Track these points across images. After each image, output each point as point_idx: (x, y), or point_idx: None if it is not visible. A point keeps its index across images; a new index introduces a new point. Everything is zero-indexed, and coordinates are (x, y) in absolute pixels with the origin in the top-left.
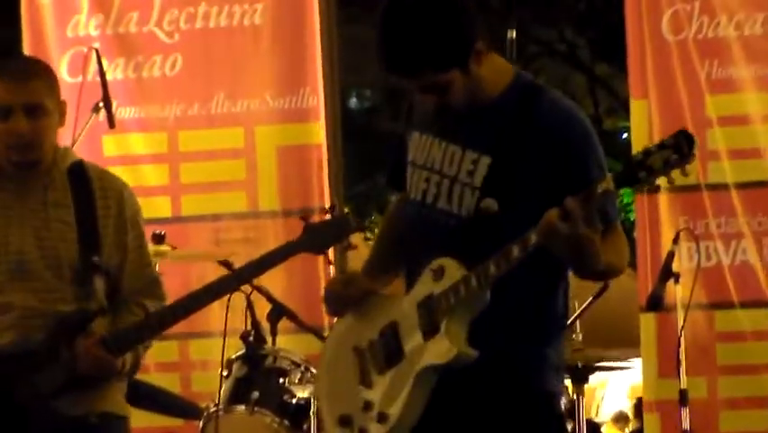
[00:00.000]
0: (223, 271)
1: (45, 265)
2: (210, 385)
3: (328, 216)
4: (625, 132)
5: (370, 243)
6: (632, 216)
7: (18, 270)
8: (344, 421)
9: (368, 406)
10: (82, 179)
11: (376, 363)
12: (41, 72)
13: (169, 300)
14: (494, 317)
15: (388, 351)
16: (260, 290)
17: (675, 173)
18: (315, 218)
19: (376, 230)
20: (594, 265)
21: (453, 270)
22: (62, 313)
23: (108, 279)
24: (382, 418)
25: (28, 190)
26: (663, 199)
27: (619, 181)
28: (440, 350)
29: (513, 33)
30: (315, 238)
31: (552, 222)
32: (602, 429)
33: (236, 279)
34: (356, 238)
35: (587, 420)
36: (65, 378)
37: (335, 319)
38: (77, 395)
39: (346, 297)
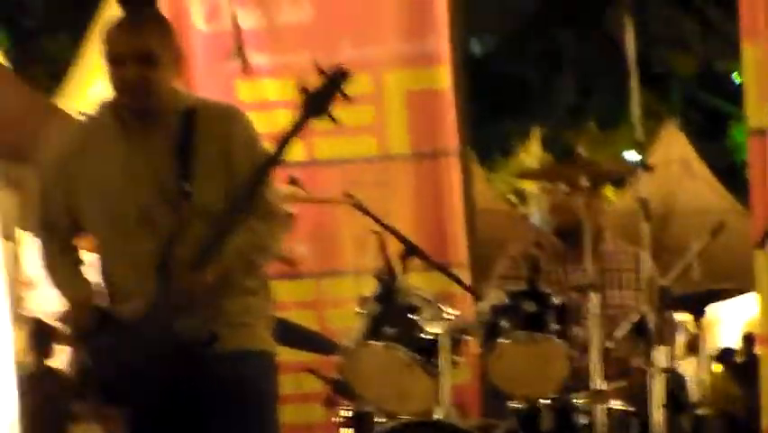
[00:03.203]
0: (353, 213)
1: (166, 210)
2: (344, 322)
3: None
4: (736, 74)
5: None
6: (744, 156)
7: (143, 217)
8: None
9: None
10: (191, 121)
11: None
12: (152, 21)
13: (301, 239)
14: None
15: None
16: (390, 229)
17: None
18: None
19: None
20: None
21: None
22: (161, 258)
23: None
24: None
25: (148, 138)
26: None
27: None
28: None
29: None
30: (313, 102)
31: None
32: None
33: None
34: None
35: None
36: (185, 313)
37: None
38: (228, 331)
39: None
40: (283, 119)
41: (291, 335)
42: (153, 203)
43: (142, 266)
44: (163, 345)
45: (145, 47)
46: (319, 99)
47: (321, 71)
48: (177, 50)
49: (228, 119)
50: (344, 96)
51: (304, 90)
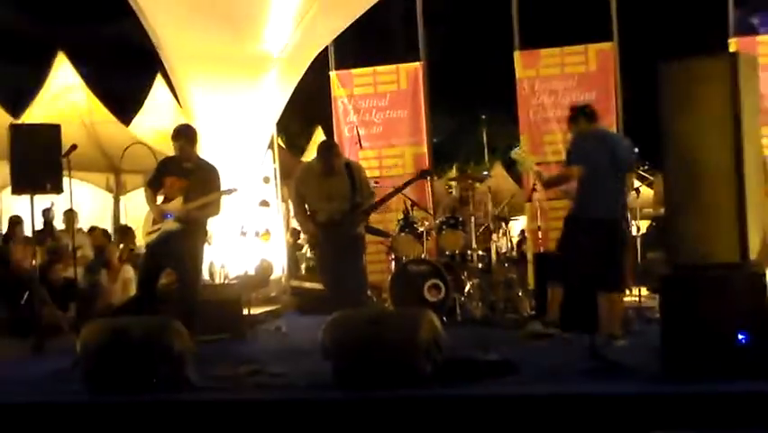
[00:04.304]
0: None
1: (342, 202)
2: (393, 226)
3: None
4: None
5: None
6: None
7: (325, 199)
8: None
9: None
10: (350, 168)
11: None
12: (336, 152)
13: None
14: None
15: None
16: (408, 198)
17: None
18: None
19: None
20: None
21: None
22: (346, 209)
23: (361, 200)
24: None
25: (330, 176)
26: None
27: None
28: None
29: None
30: (422, 173)
31: None
32: None
33: (383, 201)
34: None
35: None
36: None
37: None
38: (357, 226)
39: None
40: (372, 162)
41: (373, 230)
42: (335, 199)
43: (322, 212)
44: (339, 236)
45: (332, 163)
46: (422, 175)
47: (426, 167)
48: (341, 154)
49: (359, 169)
50: (431, 179)
51: (420, 169)
